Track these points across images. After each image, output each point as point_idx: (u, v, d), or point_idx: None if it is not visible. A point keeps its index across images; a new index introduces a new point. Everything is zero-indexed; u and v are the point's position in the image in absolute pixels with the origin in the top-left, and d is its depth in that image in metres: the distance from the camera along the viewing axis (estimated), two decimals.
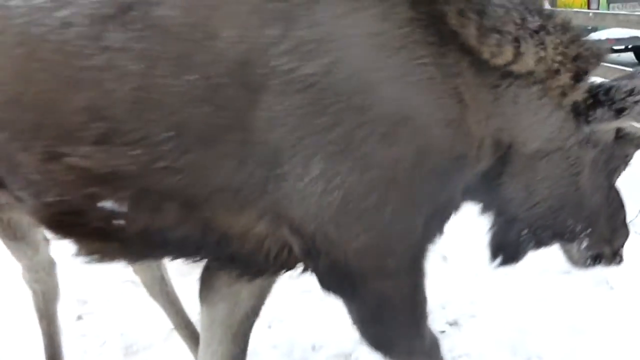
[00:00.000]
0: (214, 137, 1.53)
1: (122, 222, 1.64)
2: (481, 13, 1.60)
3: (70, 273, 3.43)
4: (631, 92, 1.70)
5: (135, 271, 2.65)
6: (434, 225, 1.71)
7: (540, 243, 1.87)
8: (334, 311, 3.22)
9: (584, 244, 1.89)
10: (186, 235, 1.65)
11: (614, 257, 1.98)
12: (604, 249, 1.95)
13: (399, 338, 1.77)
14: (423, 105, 1.56)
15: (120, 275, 3.02)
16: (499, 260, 1.87)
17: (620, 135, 1.81)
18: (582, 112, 1.73)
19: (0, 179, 1.76)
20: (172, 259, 1.81)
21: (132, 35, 1.51)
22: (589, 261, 1.94)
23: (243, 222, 1.62)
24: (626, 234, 1.98)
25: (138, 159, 1.54)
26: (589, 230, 1.86)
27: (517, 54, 1.63)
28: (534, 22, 1.66)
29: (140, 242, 1.70)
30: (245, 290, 2.04)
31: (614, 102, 1.71)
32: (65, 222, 1.72)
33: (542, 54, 1.65)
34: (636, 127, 1.74)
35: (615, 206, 1.92)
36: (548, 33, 1.67)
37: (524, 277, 3.47)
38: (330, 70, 1.50)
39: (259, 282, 1.99)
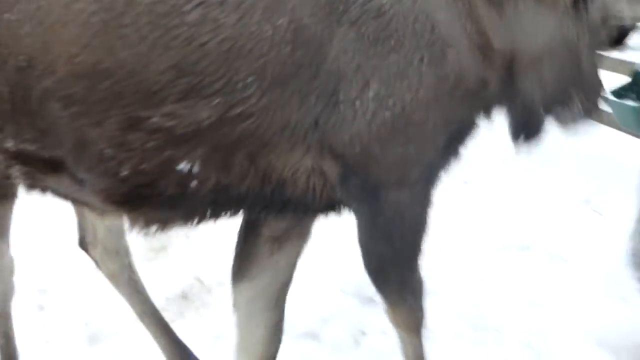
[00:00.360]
0: (289, 75, 1.64)
1: (195, 183, 1.70)
2: None
3: (29, 262, 3.38)
4: None
5: (101, 262, 2.61)
6: (453, 146, 1.88)
7: (551, 113, 2.10)
8: (301, 291, 3.26)
9: (577, 103, 2.12)
10: (247, 189, 1.75)
11: (594, 107, 2.21)
12: (589, 104, 2.17)
13: (399, 261, 1.91)
14: (465, 29, 1.75)
15: (81, 263, 2.97)
16: (521, 138, 2.08)
17: (605, 17, 2.07)
18: (580, 5, 1.94)
19: (61, 161, 1.72)
20: (228, 218, 1.87)
21: None
22: (580, 116, 2.15)
23: (293, 161, 1.74)
24: (602, 87, 2.24)
25: (216, 108, 1.62)
26: (581, 93, 2.11)
27: None
28: None
29: (206, 204, 1.78)
30: (283, 259, 2.15)
31: None
32: (140, 196, 1.74)
33: None
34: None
35: (596, 69, 2.20)
36: None
37: (482, 254, 3.57)
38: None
39: (295, 249, 2.14)
